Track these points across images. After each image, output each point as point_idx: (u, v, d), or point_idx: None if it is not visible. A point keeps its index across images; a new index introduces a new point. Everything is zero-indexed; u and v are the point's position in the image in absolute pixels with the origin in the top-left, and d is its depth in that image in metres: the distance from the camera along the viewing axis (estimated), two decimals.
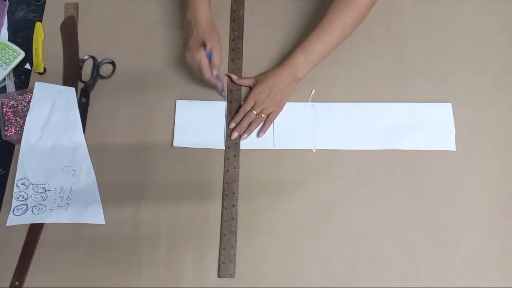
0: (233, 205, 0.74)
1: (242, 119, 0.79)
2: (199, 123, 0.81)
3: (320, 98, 0.82)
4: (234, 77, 0.83)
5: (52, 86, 0.82)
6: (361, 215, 0.74)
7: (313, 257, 0.72)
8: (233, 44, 0.86)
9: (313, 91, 0.83)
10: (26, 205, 0.75)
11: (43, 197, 0.75)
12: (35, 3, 0.92)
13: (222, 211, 0.74)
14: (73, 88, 0.82)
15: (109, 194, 0.76)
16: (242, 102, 0.82)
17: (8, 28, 0.91)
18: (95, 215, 0.74)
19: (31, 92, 0.80)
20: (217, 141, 0.79)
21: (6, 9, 0.92)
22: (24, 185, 0.76)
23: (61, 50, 0.87)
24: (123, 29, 0.89)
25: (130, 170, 0.78)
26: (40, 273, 0.71)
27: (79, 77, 0.84)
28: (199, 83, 0.84)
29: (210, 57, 0.75)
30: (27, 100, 0.80)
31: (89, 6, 0.91)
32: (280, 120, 0.80)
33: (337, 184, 0.76)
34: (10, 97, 0.81)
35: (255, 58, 0.85)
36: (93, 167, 0.77)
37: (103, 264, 0.72)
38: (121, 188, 0.76)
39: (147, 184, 0.77)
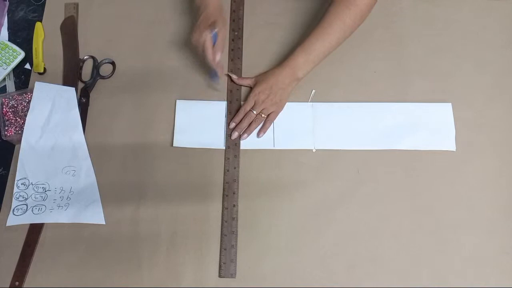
0: (234, 205, 0.74)
1: (242, 119, 0.79)
2: (199, 123, 0.81)
3: (320, 98, 0.82)
4: (234, 77, 0.83)
5: (52, 86, 0.82)
6: (361, 215, 0.74)
7: (313, 257, 0.72)
8: (232, 44, 0.86)
9: (313, 91, 0.83)
10: (26, 205, 0.75)
11: (43, 197, 0.75)
12: (35, 3, 0.92)
13: (222, 211, 0.74)
14: (73, 88, 0.82)
15: (109, 194, 0.76)
16: (242, 102, 0.82)
17: (8, 28, 0.91)
18: (95, 215, 0.74)
19: (31, 92, 0.80)
20: (217, 141, 0.79)
21: (6, 9, 0.92)
22: (24, 185, 0.76)
23: (61, 50, 0.87)
24: (123, 29, 0.89)
25: (130, 170, 0.78)
26: (40, 273, 0.71)
27: (79, 77, 0.85)
28: (199, 83, 0.84)
29: (215, 40, 0.75)
30: (27, 100, 0.80)
31: (89, 6, 0.91)
32: (280, 120, 0.80)
33: (337, 184, 0.76)
34: (10, 97, 0.81)
35: (255, 58, 0.85)
36: (93, 167, 0.77)
37: (103, 264, 0.72)
38: (121, 188, 0.76)
39: (147, 184, 0.77)
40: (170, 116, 0.81)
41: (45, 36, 0.88)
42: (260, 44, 0.87)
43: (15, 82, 0.86)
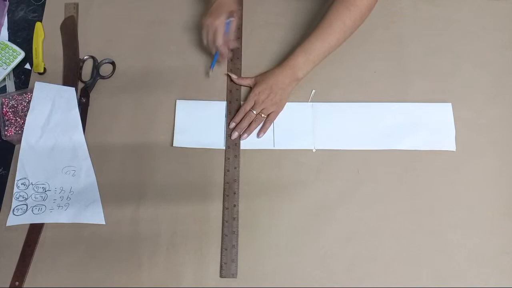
0: (234, 205, 0.74)
1: (242, 119, 0.79)
2: (199, 123, 0.81)
3: (320, 98, 0.82)
4: (234, 76, 0.83)
5: (52, 86, 0.82)
6: (361, 215, 0.74)
7: (313, 257, 0.72)
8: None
9: (313, 91, 0.83)
10: (26, 205, 0.75)
11: (43, 197, 0.75)
12: (35, 3, 0.92)
13: (223, 211, 0.74)
14: (73, 88, 0.82)
15: (109, 194, 0.76)
16: (242, 102, 0.82)
17: (8, 28, 0.91)
18: (95, 215, 0.74)
19: (31, 92, 0.80)
20: (217, 141, 0.79)
21: (6, 9, 0.92)
22: (24, 185, 0.76)
23: (61, 50, 0.87)
24: (123, 29, 0.89)
25: (130, 170, 0.78)
26: (40, 273, 0.71)
27: (79, 77, 0.85)
28: (199, 83, 0.84)
29: (227, 29, 0.78)
30: (27, 100, 0.80)
31: (89, 6, 0.91)
32: (280, 120, 0.80)
33: (337, 184, 0.76)
34: (10, 97, 0.81)
35: (255, 58, 0.85)
36: (93, 167, 0.77)
37: (103, 264, 0.72)
38: (121, 188, 0.76)
39: (147, 184, 0.77)
40: (170, 116, 0.81)
41: (45, 36, 0.88)
42: (260, 44, 0.87)
43: (15, 82, 0.86)
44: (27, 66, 0.87)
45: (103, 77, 0.84)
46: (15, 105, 0.80)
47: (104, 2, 0.91)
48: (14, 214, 0.74)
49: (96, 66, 0.85)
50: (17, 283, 0.70)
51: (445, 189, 0.76)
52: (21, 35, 0.90)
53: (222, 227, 0.73)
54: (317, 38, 0.78)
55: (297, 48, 0.79)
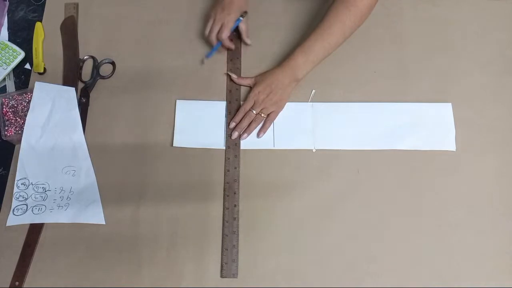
0: (235, 205, 0.74)
1: (242, 119, 0.79)
2: (199, 123, 0.81)
3: (320, 98, 0.82)
4: (234, 76, 0.83)
5: (52, 86, 0.82)
6: (361, 215, 0.74)
7: (313, 257, 0.72)
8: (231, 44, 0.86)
9: (313, 91, 0.83)
10: (26, 205, 0.75)
11: (43, 197, 0.75)
12: (35, 3, 0.92)
13: (223, 211, 0.74)
14: (73, 88, 0.82)
15: (109, 194, 0.76)
16: (241, 102, 0.82)
17: (8, 28, 0.91)
18: (95, 215, 0.74)
19: (31, 92, 0.80)
20: (217, 141, 0.79)
21: (6, 9, 0.92)
22: (24, 185, 0.76)
23: (61, 50, 0.87)
24: (123, 29, 0.89)
25: (130, 170, 0.78)
26: (40, 273, 0.71)
27: (79, 77, 0.85)
28: (199, 83, 0.84)
29: (234, 26, 0.81)
30: (27, 100, 0.80)
31: (89, 6, 0.91)
32: (280, 120, 0.80)
33: (337, 184, 0.76)
34: (10, 97, 0.81)
35: (255, 58, 0.85)
36: (93, 167, 0.77)
37: (103, 264, 0.72)
38: (121, 188, 0.76)
39: (147, 184, 0.76)
40: (170, 116, 0.81)
41: (45, 36, 0.88)
42: (260, 44, 0.87)
43: (15, 82, 0.86)
44: (27, 66, 0.87)
45: (103, 77, 0.84)
46: (15, 105, 0.80)
47: (104, 2, 0.91)
48: (14, 214, 0.74)
49: (96, 66, 0.85)
50: (17, 283, 0.70)
51: (445, 189, 0.76)
52: (21, 35, 0.90)
53: (223, 227, 0.73)
54: (317, 38, 0.78)
55: (297, 49, 0.79)
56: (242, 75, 0.84)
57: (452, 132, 0.79)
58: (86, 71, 0.85)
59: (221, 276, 0.71)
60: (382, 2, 0.82)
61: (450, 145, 0.79)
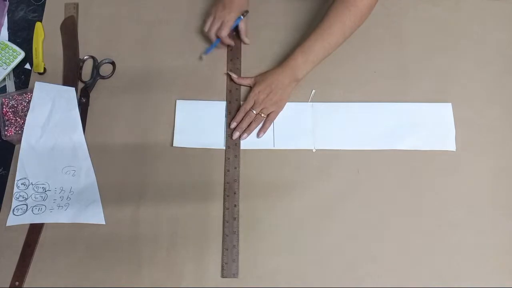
0: (235, 205, 0.74)
1: (242, 119, 0.79)
2: (199, 123, 0.81)
3: (320, 98, 0.82)
4: (234, 76, 0.83)
5: (52, 86, 0.82)
6: (361, 215, 0.74)
7: (313, 257, 0.72)
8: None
9: (313, 91, 0.83)
10: (26, 205, 0.75)
11: (43, 197, 0.75)
12: (35, 3, 0.92)
13: (223, 211, 0.74)
14: (73, 88, 0.82)
15: (109, 194, 0.76)
16: (241, 102, 0.82)
17: (8, 28, 0.91)
18: (95, 215, 0.74)
19: (31, 92, 0.80)
20: (217, 141, 0.79)
21: (6, 9, 0.92)
22: (24, 185, 0.76)
23: (61, 50, 0.87)
24: (123, 29, 0.89)
25: (130, 170, 0.78)
26: (40, 273, 0.71)
27: (79, 77, 0.84)
28: (199, 83, 0.84)
29: (234, 25, 0.82)
30: (27, 100, 0.80)
31: (89, 6, 0.91)
32: (280, 120, 0.80)
33: (337, 184, 0.76)
34: (10, 97, 0.81)
35: (255, 58, 0.85)
36: (93, 167, 0.77)
37: (103, 264, 0.72)
38: (121, 188, 0.76)
39: (147, 184, 0.76)
40: (170, 116, 0.81)
41: (45, 36, 0.88)
42: (260, 44, 0.87)
43: (15, 82, 0.85)
44: (27, 66, 0.87)
45: (103, 77, 0.84)
46: (15, 105, 0.80)
47: (104, 2, 0.91)
48: (14, 214, 0.74)
49: (96, 66, 0.85)
50: (17, 283, 0.70)
51: (445, 189, 0.76)
52: (21, 35, 0.90)
53: (223, 227, 0.73)
54: (317, 38, 0.78)
55: (297, 49, 0.79)
56: (242, 75, 0.84)
57: (452, 132, 0.79)
58: (86, 71, 0.85)
59: (222, 276, 0.71)
60: (382, 2, 0.82)
61: (450, 145, 0.79)
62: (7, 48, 0.86)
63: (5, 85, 0.85)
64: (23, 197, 0.75)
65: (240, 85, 0.83)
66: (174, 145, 0.79)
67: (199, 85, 0.84)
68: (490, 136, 0.79)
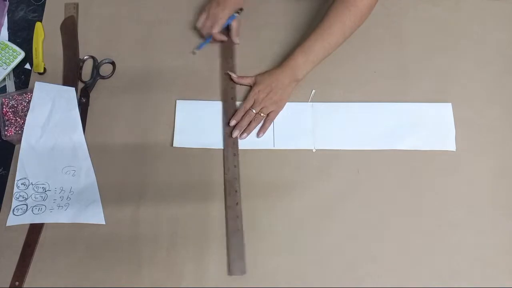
0: (237, 203, 0.74)
1: (242, 117, 0.79)
2: (199, 123, 0.81)
3: (320, 98, 0.82)
4: (234, 76, 0.83)
5: (52, 86, 0.82)
6: (361, 215, 0.74)
7: (313, 257, 0.72)
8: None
9: (313, 91, 0.83)
10: (26, 205, 0.75)
11: (43, 197, 0.75)
12: (35, 3, 0.92)
13: (225, 209, 0.74)
14: (73, 88, 0.82)
15: (109, 194, 0.76)
16: (237, 102, 0.82)
17: (8, 28, 0.91)
18: (95, 215, 0.74)
19: (31, 92, 0.80)
20: (217, 141, 0.79)
21: (6, 9, 0.92)
22: (24, 185, 0.76)
23: (61, 50, 0.87)
24: (123, 29, 0.89)
25: (130, 170, 0.78)
26: (40, 273, 0.71)
27: (79, 77, 0.85)
28: (199, 83, 0.84)
29: (227, 22, 0.82)
30: (27, 100, 0.80)
31: (89, 6, 0.91)
32: (280, 120, 0.80)
33: (337, 184, 0.76)
34: (10, 97, 0.81)
35: (254, 58, 0.85)
36: (93, 167, 0.77)
37: (103, 264, 0.72)
38: (121, 188, 0.76)
39: (147, 184, 0.76)
40: (170, 116, 0.81)
41: (45, 36, 0.88)
42: (260, 44, 0.87)
43: (15, 82, 0.86)
44: (27, 66, 0.87)
45: (103, 77, 0.84)
46: (15, 105, 0.80)
47: (104, 2, 0.91)
48: (14, 214, 0.74)
49: (96, 66, 0.85)
50: (17, 283, 0.70)
51: (445, 189, 0.76)
52: (21, 35, 0.90)
53: (226, 225, 0.73)
54: (317, 38, 0.78)
55: (297, 49, 0.79)
56: (241, 75, 0.84)
57: (452, 132, 0.79)
58: (86, 71, 0.85)
59: (229, 274, 0.70)
60: (382, 2, 0.82)
61: (450, 145, 0.79)
62: (7, 48, 0.86)
63: (5, 85, 0.85)
64: (23, 197, 0.75)
65: (240, 84, 0.83)
66: (174, 145, 0.79)
67: (199, 85, 0.84)
68: (490, 136, 0.79)
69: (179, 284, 0.70)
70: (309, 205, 0.75)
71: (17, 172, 0.76)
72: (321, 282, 0.70)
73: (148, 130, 0.80)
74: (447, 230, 0.73)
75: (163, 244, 0.73)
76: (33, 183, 0.76)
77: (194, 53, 0.86)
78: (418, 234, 0.73)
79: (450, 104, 0.81)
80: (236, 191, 0.75)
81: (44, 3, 0.92)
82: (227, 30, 0.86)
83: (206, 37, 0.84)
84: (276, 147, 0.79)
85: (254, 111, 0.79)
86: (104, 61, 0.86)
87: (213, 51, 0.86)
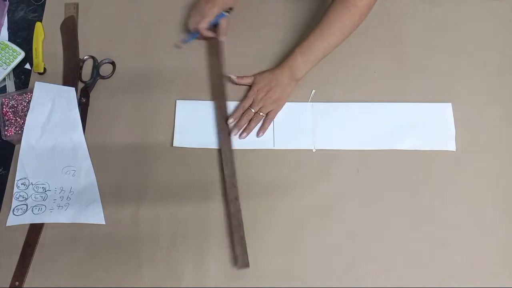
0: (236, 198, 0.74)
1: (241, 117, 0.79)
2: (199, 123, 0.81)
3: (320, 98, 0.82)
4: (233, 77, 0.83)
5: (52, 86, 0.82)
6: (361, 215, 0.74)
7: (313, 257, 0.72)
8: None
9: (313, 91, 0.83)
10: (26, 205, 0.75)
11: (43, 197, 0.75)
12: (35, 3, 0.92)
13: (227, 204, 0.74)
14: (73, 88, 0.82)
15: (109, 194, 0.76)
16: (227, 98, 0.82)
17: (8, 28, 0.91)
18: (95, 215, 0.74)
19: (31, 92, 0.80)
20: (217, 141, 0.79)
21: (6, 9, 0.92)
22: (24, 185, 0.76)
23: (61, 50, 0.87)
24: (123, 29, 0.89)
25: (130, 170, 0.78)
26: (40, 273, 0.71)
27: (79, 77, 0.85)
28: (199, 83, 0.84)
29: (216, 20, 0.82)
30: (27, 100, 0.80)
31: (89, 6, 0.91)
32: (280, 120, 0.80)
33: (337, 184, 0.76)
34: (10, 97, 0.81)
35: (254, 58, 0.85)
36: (93, 167, 0.77)
37: (103, 264, 0.72)
38: (121, 188, 0.76)
39: (147, 184, 0.76)
40: (170, 116, 0.81)
41: (45, 36, 0.88)
42: (260, 44, 0.87)
43: (15, 82, 0.86)
44: (27, 66, 0.87)
45: (103, 77, 0.84)
46: (15, 105, 0.80)
47: (104, 2, 0.91)
48: (14, 214, 0.74)
49: (96, 66, 0.85)
50: (17, 283, 0.70)
51: (445, 189, 0.76)
52: (21, 35, 0.90)
53: (229, 220, 0.73)
54: (316, 38, 0.78)
55: (296, 48, 0.79)
56: (240, 76, 0.83)
57: (452, 132, 0.79)
58: (86, 71, 0.85)
59: (235, 267, 0.70)
60: (382, 2, 0.82)
61: (450, 145, 0.79)
62: (7, 48, 0.86)
63: (5, 85, 0.85)
64: (23, 197, 0.75)
65: (241, 84, 0.83)
66: (174, 145, 0.79)
67: (199, 85, 0.84)
68: (490, 136, 0.79)
69: (179, 284, 0.70)
70: (309, 205, 0.75)
71: (17, 172, 0.76)
72: (321, 282, 0.70)
73: (148, 130, 0.80)
74: (447, 230, 0.73)
75: (163, 244, 0.73)
76: (33, 183, 0.76)
77: (178, 46, 0.86)
78: (418, 234, 0.73)
79: (450, 104, 0.81)
80: (235, 186, 0.75)
81: (44, 3, 0.92)
82: (214, 27, 0.85)
83: (193, 32, 0.84)
84: (276, 147, 0.79)
85: (253, 110, 0.79)
86: (104, 61, 0.86)
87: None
